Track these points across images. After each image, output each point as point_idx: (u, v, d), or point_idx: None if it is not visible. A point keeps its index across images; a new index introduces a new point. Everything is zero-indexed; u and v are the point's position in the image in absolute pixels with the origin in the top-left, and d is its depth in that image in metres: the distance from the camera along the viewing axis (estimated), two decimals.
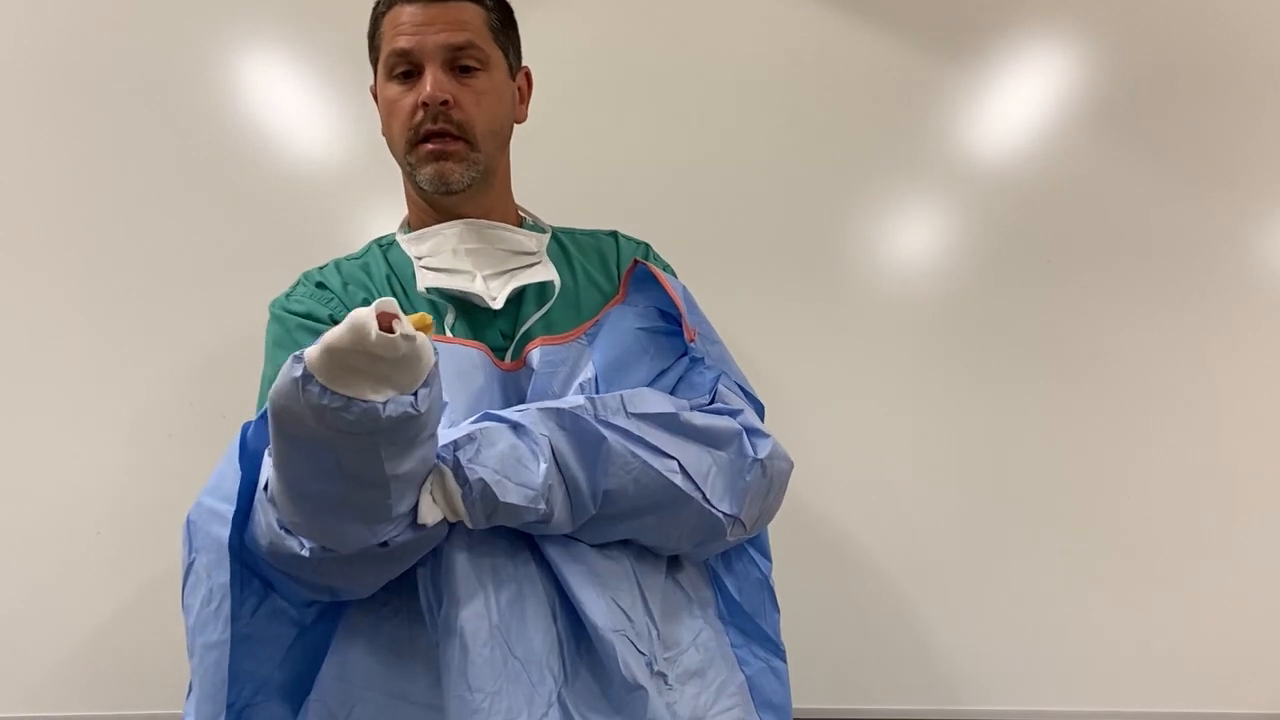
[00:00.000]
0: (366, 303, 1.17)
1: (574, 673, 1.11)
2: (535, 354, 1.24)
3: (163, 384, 1.76)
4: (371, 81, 1.33)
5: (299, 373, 0.84)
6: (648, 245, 1.46)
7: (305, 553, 0.98)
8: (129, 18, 1.85)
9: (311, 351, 0.84)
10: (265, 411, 1.04)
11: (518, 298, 1.31)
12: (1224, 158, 2.00)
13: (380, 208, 1.79)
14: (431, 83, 1.23)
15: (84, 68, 1.82)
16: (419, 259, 1.28)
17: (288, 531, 0.99)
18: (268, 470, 1.01)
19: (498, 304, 1.26)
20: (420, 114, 1.24)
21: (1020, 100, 2.01)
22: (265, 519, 1.00)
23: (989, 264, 1.98)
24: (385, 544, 0.99)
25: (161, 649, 1.68)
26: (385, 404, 0.86)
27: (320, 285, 1.28)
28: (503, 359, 1.26)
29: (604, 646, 1.08)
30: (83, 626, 1.70)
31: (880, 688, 1.91)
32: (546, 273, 1.32)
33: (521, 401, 1.21)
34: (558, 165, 1.70)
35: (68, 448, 1.72)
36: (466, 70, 1.26)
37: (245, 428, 1.06)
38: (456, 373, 1.18)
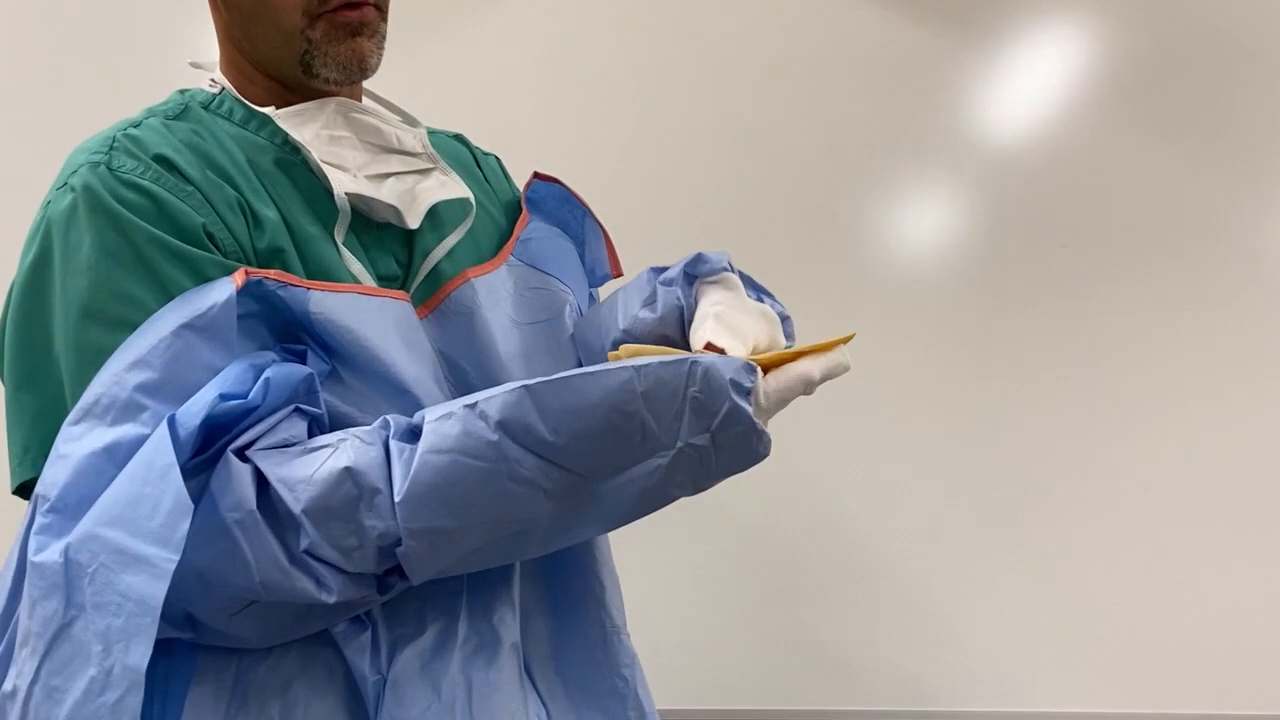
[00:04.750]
0: (244, 206, 0.93)
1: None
2: (477, 288, 1.02)
3: None
4: None
5: (747, 385, 0.78)
6: (497, 156, 1.26)
7: (330, 599, 0.79)
8: None
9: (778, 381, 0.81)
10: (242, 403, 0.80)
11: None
12: (1248, 140, 1.96)
13: None
14: None
15: None
16: (305, 144, 0.98)
17: (306, 566, 0.78)
18: (321, 482, 0.79)
19: (415, 223, 1.00)
20: None
21: (1036, 80, 1.96)
22: (264, 551, 0.77)
23: (1003, 250, 1.93)
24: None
25: None
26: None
27: (164, 162, 0.90)
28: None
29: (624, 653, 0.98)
30: None
31: (893, 686, 1.85)
32: (459, 187, 1.07)
33: (436, 357, 0.98)
34: (560, 152, 1.56)
35: None
36: None
37: (171, 420, 0.77)
38: (403, 338, 0.93)
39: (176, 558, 0.72)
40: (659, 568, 1.71)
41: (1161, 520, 1.94)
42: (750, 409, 0.79)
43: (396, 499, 0.78)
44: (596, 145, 1.87)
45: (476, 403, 0.81)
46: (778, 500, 1.75)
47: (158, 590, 0.71)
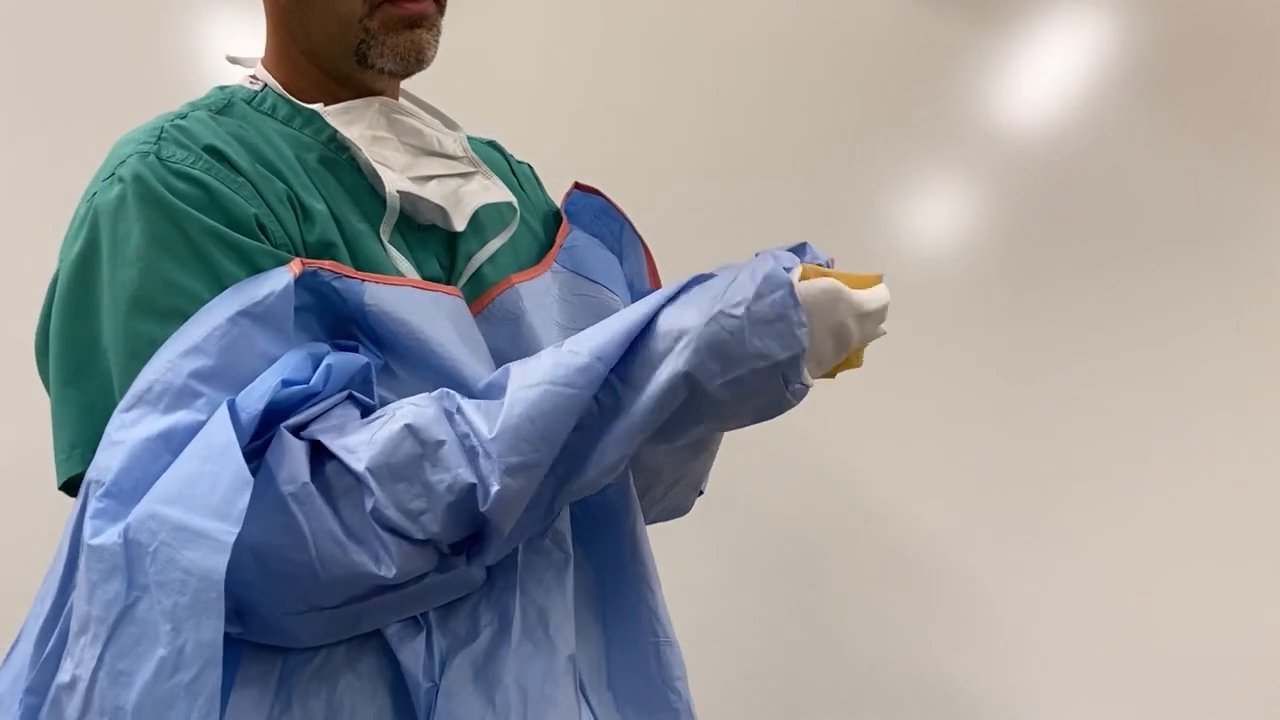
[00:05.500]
0: (294, 200, 0.93)
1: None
2: (522, 293, 1.01)
3: None
4: None
5: (788, 264, 0.81)
6: (530, 165, 1.26)
7: (389, 573, 0.77)
8: None
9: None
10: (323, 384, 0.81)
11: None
12: (1278, 130, 1.91)
13: None
14: None
15: None
16: (355, 142, 0.98)
17: (363, 538, 0.76)
18: (382, 441, 0.78)
19: (461, 225, 1.00)
20: None
21: (1055, 67, 1.88)
22: (320, 523, 0.76)
23: (1018, 244, 1.86)
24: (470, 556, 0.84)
25: None
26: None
27: (214, 153, 0.90)
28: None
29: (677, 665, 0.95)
30: None
31: (929, 702, 1.78)
32: (503, 191, 1.07)
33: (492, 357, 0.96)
34: (563, 135, 1.54)
35: None
36: None
37: (231, 404, 0.76)
38: (458, 331, 0.92)
39: (236, 530, 0.70)
40: (680, 573, 1.66)
41: (1208, 524, 1.86)
42: (791, 276, 0.81)
43: (490, 436, 0.78)
44: (598, 128, 1.82)
45: (563, 343, 0.84)
46: (804, 503, 1.69)
47: (219, 563, 0.69)
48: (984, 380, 1.88)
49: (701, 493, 1.16)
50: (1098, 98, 1.92)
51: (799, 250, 0.96)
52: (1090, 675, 1.85)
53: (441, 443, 0.79)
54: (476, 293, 1.02)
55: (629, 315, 0.84)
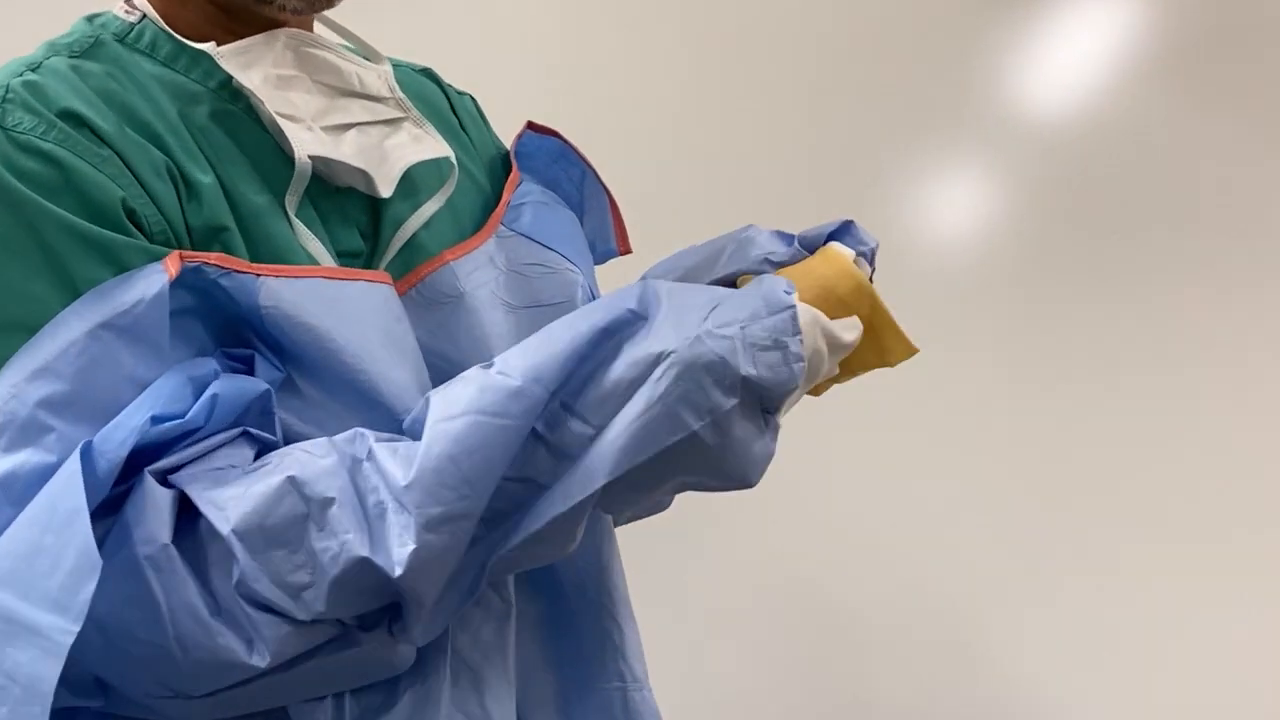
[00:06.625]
0: (175, 172, 0.77)
1: None
2: (458, 272, 0.86)
3: None
4: None
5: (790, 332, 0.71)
6: (472, 96, 1.10)
7: (261, 662, 0.64)
8: None
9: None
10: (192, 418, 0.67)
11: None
12: None
13: None
14: None
15: None
16: (256, 92, 0.82)
17: (231, 618, 0.64)
18: (257, 496, 0.65)
19: (387, 191, 0.85)
20: None
21: (1080, 46, 1.82)
22: (179, 596, 0.63)
23: (1042, 234, 1.80)
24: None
25: None
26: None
27: (72, 118, 0.74)
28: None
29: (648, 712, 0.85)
30: None
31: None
32: (437, 144, 0.91)
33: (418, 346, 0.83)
34: (575, 107, 1.42)
35: None
36: None
37: (87, 449, 0.62)
38: (383, 334, 0.77)
39: (76, 629, 0.58)
40: (663, 604, 1.57)
41: (1233, 534, 1.77)
42: (793, 300, 0.72)
43: (404, 483, 0.65)
44: (609, 101, 1.74)
45: (493, 363, 0.71)
46: (801, 518, 1.61)
47: (49, 670, 0.58)
48: (1002, 381, 1.81)
49: None
50: (1127, 83, 1.83)
51: (844, 229, 0.87)
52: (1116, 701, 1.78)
53: (330, 501, 0.65)
54: (407, 267, 0.87)
55: (574, 326, 0.71)
